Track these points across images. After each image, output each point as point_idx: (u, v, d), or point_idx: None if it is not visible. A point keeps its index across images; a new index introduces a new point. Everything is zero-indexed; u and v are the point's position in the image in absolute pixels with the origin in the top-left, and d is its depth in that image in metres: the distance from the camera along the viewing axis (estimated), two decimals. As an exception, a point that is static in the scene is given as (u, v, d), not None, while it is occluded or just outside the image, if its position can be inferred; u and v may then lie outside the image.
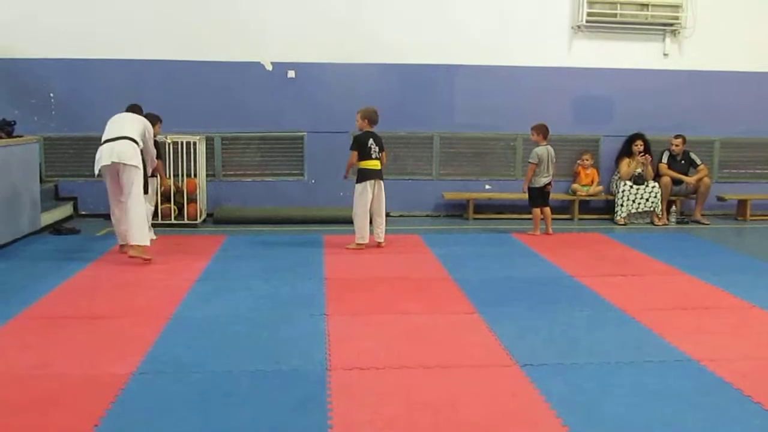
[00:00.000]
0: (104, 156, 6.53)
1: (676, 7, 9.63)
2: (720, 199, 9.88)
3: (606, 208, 9.83)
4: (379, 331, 4.68)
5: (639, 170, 9.38)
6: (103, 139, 6.67)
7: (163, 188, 8.36)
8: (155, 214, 8.06)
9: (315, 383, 3.76)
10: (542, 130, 8.26)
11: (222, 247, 7.37)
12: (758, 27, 9.85)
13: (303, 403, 3.52)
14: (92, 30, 8.95)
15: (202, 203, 8.91)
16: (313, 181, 9.60)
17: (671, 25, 9.70)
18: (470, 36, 9.46)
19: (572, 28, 9.66)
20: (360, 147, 7.28)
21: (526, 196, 8.42)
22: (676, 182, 9.54)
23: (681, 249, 7.65)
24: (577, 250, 7.48)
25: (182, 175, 8.74)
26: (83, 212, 9.30)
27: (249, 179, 9.55)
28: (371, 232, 7.42)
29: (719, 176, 10.14)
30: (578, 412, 3.44)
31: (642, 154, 9.39)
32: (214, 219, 8.94)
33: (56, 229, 8.20)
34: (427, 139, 9.71)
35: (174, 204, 8.61)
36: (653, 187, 9.32)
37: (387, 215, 7.68)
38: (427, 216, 9.78)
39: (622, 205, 9.38)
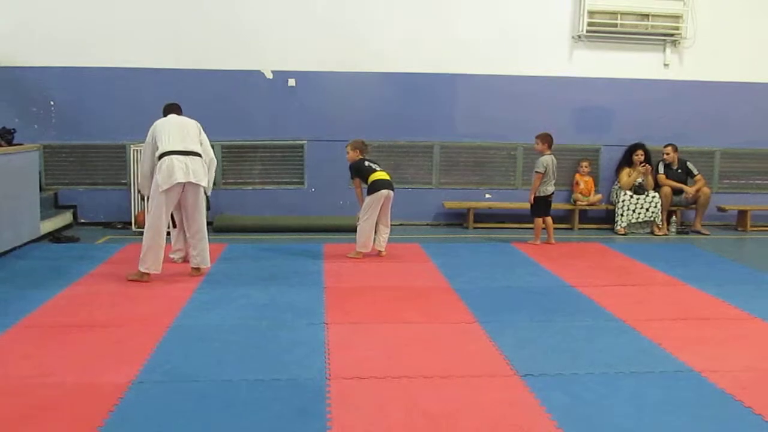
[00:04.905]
0: (178, 172, 5.96)
1: (676, 17, 9.65)
2: (720, 209, 9.87)
3: (606, 218, 9.82)
4: (378, 340, 4.67)
5: (640, 180, 9.37)
6: (168, 148, 6.02)
7: None
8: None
9: (314, 392, 3.74)
10: (547, 139, 8.26)
11: (222, 255, 7.35)
12: (759, 38, 9.87)
13: (302, 412, 3.51)
14: (93, 38, 8.96)
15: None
16: (313, 190, 9.59)
17: (672, 35, 9.71)
18: (471, 45, 9.47)
19: (573, 37, 9.67)
20: (360, 171, 7.42)
21: (528, 205, 8.42)
22: (676, 192, 9.55)
23: (681, 259, 7.64)
24: (578, 260, 7.47)
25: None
26: (83, 220, 9.30)
27: (249, 188, 9.55)
28: (373, 240, 7.42)
29: (719, 187, 10.14)
30: (578, 423, 3.43)
31: (643, 164, 9.40)
32: (214, 227, 8.92)
33: (56, 237, 8.19)
34: (428, 148, 9.71)
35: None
36: (653, 197, 9.31)
37: (386, 224, 7.69)
38: (427, 225, 9.77)
39: (622, 215, 9.37)
